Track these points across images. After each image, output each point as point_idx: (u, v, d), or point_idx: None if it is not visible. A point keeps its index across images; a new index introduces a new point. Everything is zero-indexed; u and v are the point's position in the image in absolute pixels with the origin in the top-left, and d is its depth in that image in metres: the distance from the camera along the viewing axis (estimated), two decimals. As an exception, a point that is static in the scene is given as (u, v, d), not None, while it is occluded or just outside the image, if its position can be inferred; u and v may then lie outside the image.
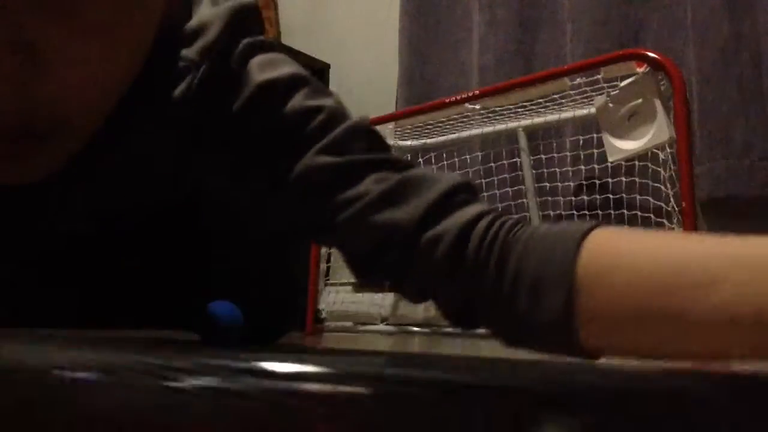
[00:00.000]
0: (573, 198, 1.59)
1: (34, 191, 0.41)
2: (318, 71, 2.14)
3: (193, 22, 0.43)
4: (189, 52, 0.42)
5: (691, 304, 0.30)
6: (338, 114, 0.44)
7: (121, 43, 0.36)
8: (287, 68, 0.44)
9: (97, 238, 0.51)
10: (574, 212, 1.57)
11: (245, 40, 0.44)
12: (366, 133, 0.44)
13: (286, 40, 2.30)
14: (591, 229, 0.35)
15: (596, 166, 1.53)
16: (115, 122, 0.39)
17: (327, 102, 0.44)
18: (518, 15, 1.76)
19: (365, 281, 0.46)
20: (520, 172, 1.64)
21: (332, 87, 1.64)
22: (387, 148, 0.45)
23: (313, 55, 2.17)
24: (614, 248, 0.34)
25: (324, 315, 1.83)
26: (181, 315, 1.00)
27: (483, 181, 1.69)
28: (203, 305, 0.92)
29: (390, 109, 1.93)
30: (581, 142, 1.56)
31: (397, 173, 0.42)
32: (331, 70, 2.25)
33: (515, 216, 0.39)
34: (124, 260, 0.56)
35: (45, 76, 0.33)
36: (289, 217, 0.45)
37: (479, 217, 0.38)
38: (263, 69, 0.44)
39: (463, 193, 0.40)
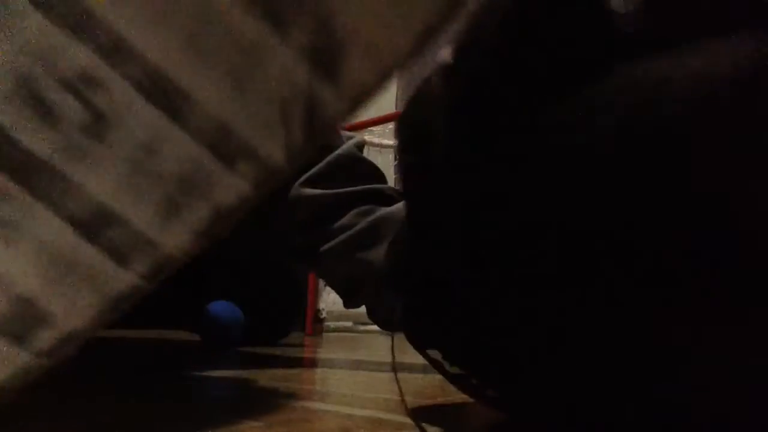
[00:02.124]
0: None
1: None
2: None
3: None
4: None
5: None
6: (326, 144, 0.46)
7: None
8: None
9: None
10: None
11: None
12: (352, 163, 0.45)
13: (286, 40, 2.29)
14: None
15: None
16: None
17: None
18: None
19: (347, 307, 0.48)
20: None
21: (332, 87, 1.63)
22: (373, 175, 0.47)
23: (314, 55, 2.16)
24: None
25: (324, 315, 1.83)
26: (181, 315, 1.00)
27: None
28: (203, 305, 0.92)
29: (390, 109, 1.93)
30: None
31: (378, 207, 0.44)
32: (331, 70, 2.24)
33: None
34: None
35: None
36: (280, 242, 0.47)
37: None
38: None
39: None
